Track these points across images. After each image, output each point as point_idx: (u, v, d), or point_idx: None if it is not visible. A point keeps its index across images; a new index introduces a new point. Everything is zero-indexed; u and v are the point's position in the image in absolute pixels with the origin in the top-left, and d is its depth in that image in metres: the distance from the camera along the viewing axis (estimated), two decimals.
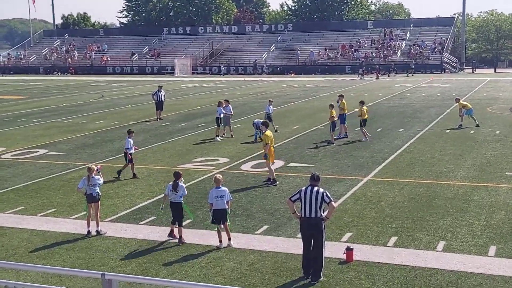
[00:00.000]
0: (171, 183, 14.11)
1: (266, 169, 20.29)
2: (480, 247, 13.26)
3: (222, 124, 28.25)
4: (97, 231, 14.59)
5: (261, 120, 27.65)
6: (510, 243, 13.44)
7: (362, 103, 27.57)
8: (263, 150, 19.48)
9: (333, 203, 11.85)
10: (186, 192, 14.26)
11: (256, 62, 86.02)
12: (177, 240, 13.98)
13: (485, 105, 39.06)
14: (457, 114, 30.80)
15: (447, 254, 12.89)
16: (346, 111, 27.90)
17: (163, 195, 15.29)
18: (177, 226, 14.06)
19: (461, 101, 31.15)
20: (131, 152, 20.41)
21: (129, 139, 20.49)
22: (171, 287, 8.38)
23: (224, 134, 28.37)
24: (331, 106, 26.60)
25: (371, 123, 31.53)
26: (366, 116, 27.11)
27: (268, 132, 19.48)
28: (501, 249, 13.12)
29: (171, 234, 14.26)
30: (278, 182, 19.12)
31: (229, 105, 28.96)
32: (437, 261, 12.55)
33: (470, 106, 30.66)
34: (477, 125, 29.64)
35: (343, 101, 27.88)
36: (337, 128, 27.47)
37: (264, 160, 19.70)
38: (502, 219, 15.13)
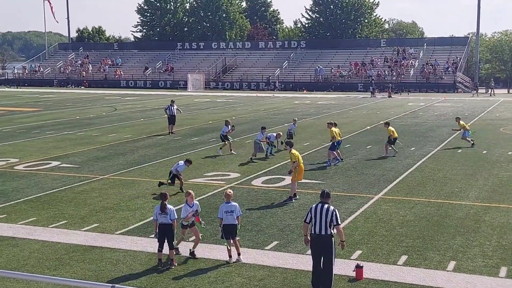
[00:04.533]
0: (157, 205, 13.61)
1: (277, 185, 20.30)
2: (491, 268, 13.18)
3: (259, 151, 26.79)
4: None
5: (274, 134, 27.74)
6: None
7: (387, 124, 27.91)
8: (292, 168, 19.25)
9: (339, 226, 11.82)
10: (176, 216, 13.52)
11: (270, 78, 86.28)
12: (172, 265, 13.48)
13: (498, 125, 38.94)
14: (470, 134, 30.67)
15: (458, 274, 12.82)
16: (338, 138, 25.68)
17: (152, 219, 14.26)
18: (161, 249, 13.48)
19: (461, 121, 31.00)
20: (181, 176, 20.33)
21: (185, 165, 20.22)
22: None
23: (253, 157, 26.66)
24: (334, 125, 26.36)
25: (383, 141, 31.51)
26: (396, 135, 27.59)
27: (294, 151, 19.43)
28: None
29: (161, 262, 13.43)
30: (294, 201, 19.07)
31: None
32: (447, 281, 12.48)
33: (468, 128, 30.62)
34: (473, 145, 29.69)
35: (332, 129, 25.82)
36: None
37: (290, 177, 19.52)
38: None
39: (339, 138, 25.69)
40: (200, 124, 40.30)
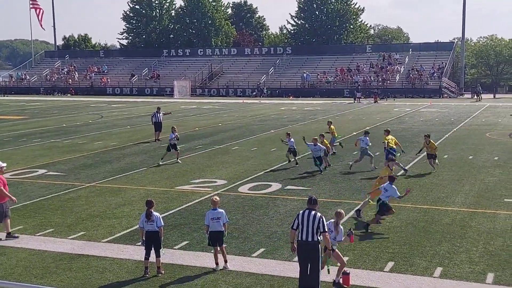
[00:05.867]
0: (143, 213, 13.53)
1: (263, 191, 20.30)
2: (478, 274, 13.22)
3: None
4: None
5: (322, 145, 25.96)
6: (508, 270, 13.39)
7: (428, 136, 25.66)
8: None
9: (326, 233, 11.84)
10: (162, 223, 13.49)
11: (259, 85, 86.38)
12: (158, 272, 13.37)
13: (484, 130, 39.17)
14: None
15: (444, 281, 12.85)
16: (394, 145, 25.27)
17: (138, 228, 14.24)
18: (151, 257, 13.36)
19: (331, 126, 30.33)
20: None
21: (392, 184, 18.73)
22: None
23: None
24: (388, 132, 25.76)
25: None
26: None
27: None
28: (499, 276, 13.07)
29: (147, 270, 13.33)
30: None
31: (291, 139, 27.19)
32: (434, 287, 12.52)
33: (336, 134, 30.23)
34: (340, 146, 30.38)
35: (389, 136, 25.32)
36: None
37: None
38: (500, 246, 15.10)
39: (392, 145, 25.07)
40: (187, 131, 40.21)
